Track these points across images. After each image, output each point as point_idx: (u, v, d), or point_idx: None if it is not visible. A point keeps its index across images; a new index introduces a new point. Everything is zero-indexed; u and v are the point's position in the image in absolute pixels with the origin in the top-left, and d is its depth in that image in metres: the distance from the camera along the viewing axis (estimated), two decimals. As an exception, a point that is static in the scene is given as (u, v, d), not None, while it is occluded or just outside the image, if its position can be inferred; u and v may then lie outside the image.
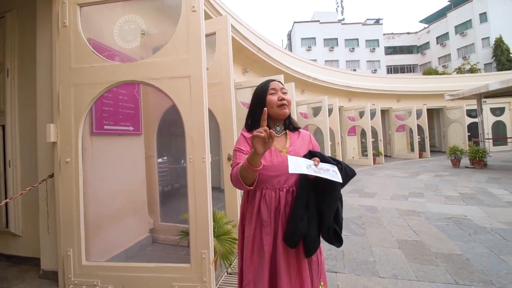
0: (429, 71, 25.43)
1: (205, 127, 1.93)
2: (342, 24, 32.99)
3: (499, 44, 24.23)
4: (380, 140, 10.20)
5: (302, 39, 31.43)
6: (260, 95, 1.20)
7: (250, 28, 5.69)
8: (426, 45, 34.14)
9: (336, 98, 8.62)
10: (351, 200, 4.57)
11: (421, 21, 36.43)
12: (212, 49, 2.81)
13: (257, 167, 0.98)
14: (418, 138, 11.11)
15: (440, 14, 32.78)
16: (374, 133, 10.15)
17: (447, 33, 30.97)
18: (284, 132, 1.23)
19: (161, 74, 2.02)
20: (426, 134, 11.35)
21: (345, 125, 10.44)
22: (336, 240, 1.08)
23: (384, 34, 33.70)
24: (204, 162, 1.91)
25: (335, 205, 1.06)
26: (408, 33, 36.40)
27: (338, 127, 8.39)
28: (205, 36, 2.90)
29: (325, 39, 31.55)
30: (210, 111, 2.78)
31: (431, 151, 11.92)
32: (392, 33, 36.08)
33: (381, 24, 33.85)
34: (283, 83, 4.29)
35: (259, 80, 5.34)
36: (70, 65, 2.10)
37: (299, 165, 0.97)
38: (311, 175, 0.98)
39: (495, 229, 2.93)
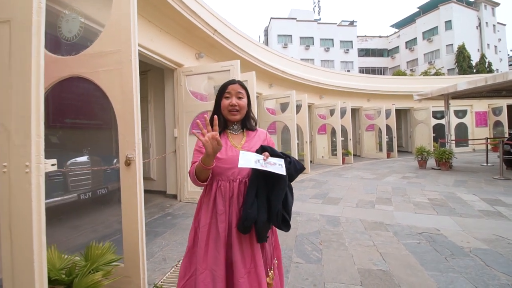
0: (398, 73, 26.25)
1: (34, 112, 1.09)
2: (318, 23, 33.04)
3: (462, 51, 25.65)
4: (350, 140, 9.88)
5: (279, 35, 30.95)
6: (218, 97, 1.28)
7: (204, 5, 4.82)
8: (396, 49, 35.46)
9: (305, 94, 8.05)
10: (313, 208, 3.94)
11: (392, 26, 37.79)
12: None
13: (210, 166, 1.11)
14: (387, 138, 11.01)
15: (410, 20, 34.16)
16: (344, 132, 9.81)
17: (415, 38, 32.36)
18: (241, 130, 1.31)
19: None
20: (394, 134, 11.29)
21: (316, 123, 9.98)
22: (284, 225, 1.17)
23: (357, 36, 34.36)
24: (29, 173, 1.07)
25: (282, 193, 1.14)
26: (380, 36, 37.59)
27: (307, 125, 7.82)
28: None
29: (301, 37, 31.36)
30: (103, 93, 1.93)
31: (398, 151, 11.92)
32: (365, 36, 36.98)
33: (355, 26, 34.45)
34: (239, 69, 3.42)
35: (212, 66, 4.52)
36: None
37: (248, 160, 1.08)
38: (258, 169, 1.08)
39: (473, 250, 2.43)
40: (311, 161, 9.28)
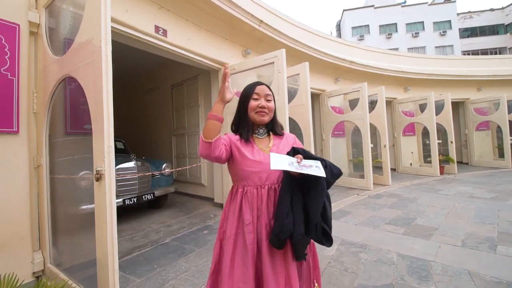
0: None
1: None
2: (402, 6, 28.42)
3: None
4: (452, 142, 7.57)
5: (353, 28, 28.19)
6: (244, 99, 1.22)
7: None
8: (519, 22, 26.91)
9: (382, 86, 6.52)
10: (389, 240, 2.80)
11: (513, -8, 28.91)
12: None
13: (219, 113, 1.08)
14: (511, 140, 7.97)
15: (542, -20, 25.36)
16: (442, 132, 7.63)
17: (553, 2, 23.70)
18: (267, 134, 1.26)
19: None
20: (525, 133, 8.07)
21: (400, 122, 8.12)
22: (326, 239, 1.06)
23: (458, 14, 27.81)
24: None
25: (321, 200, 1.03)
26: (492, 9, 29.36)
27: (385, 125, 6.28)
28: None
29: (381, 26, 27.62)
30: (81, 90, 1.60)
31: (532, 157, 8.47)
32: (469, 12, 29.65)
33: (454, 1, 27.98)
34: (284, 60, 2.76)
35: (254, 61, 3.92)
36: None
37: (281, 162, 0.98)
38: (293, 172, 0.99)
39: None
40: (393, 170, 7.54)
